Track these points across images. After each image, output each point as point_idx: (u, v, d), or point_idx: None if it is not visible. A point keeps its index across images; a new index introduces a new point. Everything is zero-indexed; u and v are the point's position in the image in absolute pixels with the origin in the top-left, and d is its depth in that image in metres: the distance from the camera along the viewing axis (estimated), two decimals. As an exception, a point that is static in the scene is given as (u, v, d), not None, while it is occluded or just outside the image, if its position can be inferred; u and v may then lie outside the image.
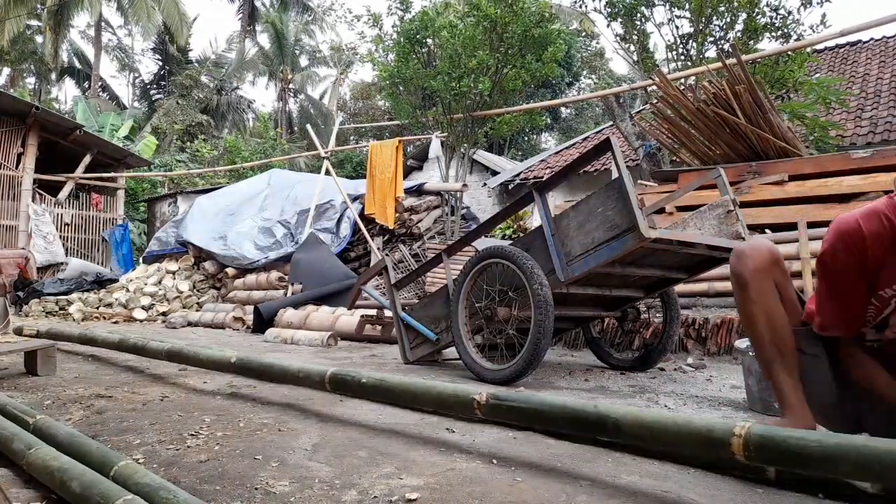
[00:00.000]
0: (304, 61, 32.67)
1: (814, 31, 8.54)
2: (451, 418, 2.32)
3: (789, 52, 8.11)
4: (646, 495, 1.57)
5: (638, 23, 9.16)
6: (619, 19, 9.16)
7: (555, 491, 1.59)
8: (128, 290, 9.05)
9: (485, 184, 14.80)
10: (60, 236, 12.27)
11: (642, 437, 1.53)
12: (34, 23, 24.75)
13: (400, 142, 9.07)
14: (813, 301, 1.77)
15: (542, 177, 12.67)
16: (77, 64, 29.19)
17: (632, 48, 9.45)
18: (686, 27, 8.83)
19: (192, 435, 2.09)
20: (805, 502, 1.53)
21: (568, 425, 1.69)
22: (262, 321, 6.51)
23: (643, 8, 8.91)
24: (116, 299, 8.76)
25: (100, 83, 27.18)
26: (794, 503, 1.52)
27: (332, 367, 2.41)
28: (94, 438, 1.83)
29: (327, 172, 9.38)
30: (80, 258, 12.28)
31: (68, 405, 2.58)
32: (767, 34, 8.67)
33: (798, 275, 4.43)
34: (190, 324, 7.38)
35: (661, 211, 5.56)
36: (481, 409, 1.85)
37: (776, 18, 8.59)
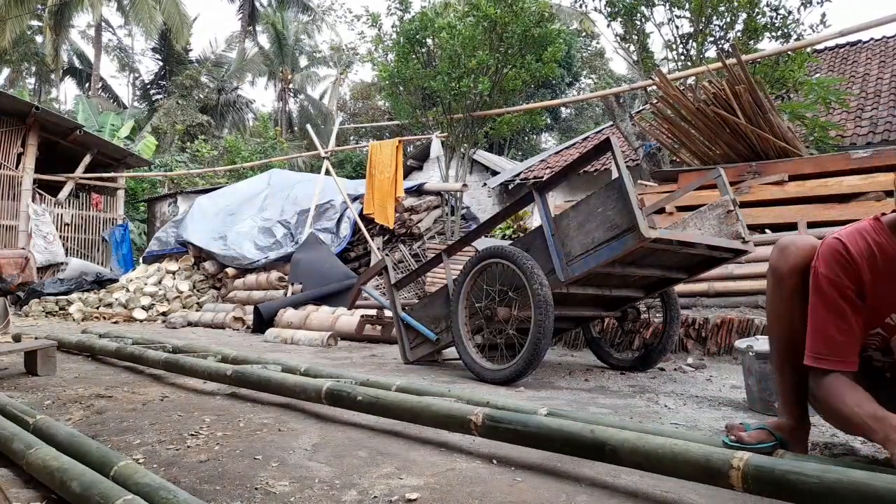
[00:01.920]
0: (303, 61, 32.68)
1: (814, 31, 8.54)
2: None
3: (789, 52, 8.11)
4: (646, 495, 1.57)
5: (638, 23, 9.16)
6: (619, 19, 9.16)
7: (555, 491, 1.59)
8: (128, 290, 9.05)
9: (485, 184, 14.80)
10: (60, 236, 12.26)
11: (639, 465, 1.55)
12: (34, 23, 24.76)
13: (400, 142, 9.07)
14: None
15: (542, 177, 12.67)
16: (77, 64, 29.20)
17: (632, 48, 9.45)
18: (686, 27, 8.83)
19: (192, 435, 2.09)
20: None
21: (564, 449, 1.70)
22: (262, 321, 6.51)
23: (643, 8, 8.91)
24: (116, 299, 8.75)
25: (100, 83, 27.18)
26: None
27: (329, 380, 2.41)
28: (94, 438, 1.83)
29: (327, 172, 9.39)
30: (80, 258, 12.28)
31: (68, 405, 2.58)
32: (767, 34, 8.67)
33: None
34: (190, 324, 7.38)
35: (661, 211, 5.56)
36: (477, 429, 1.86)
37: (776, 18, 8.60)
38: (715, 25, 8.69)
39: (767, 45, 9.08)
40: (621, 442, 1.56)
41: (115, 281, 9.84)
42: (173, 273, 9.54)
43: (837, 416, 1.52)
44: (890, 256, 1.51)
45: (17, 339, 4.36)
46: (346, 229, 8.72)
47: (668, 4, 8.73)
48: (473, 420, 1.86)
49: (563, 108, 25.17)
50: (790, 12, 8.59)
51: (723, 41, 8.67)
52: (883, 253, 1.51)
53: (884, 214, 1.58)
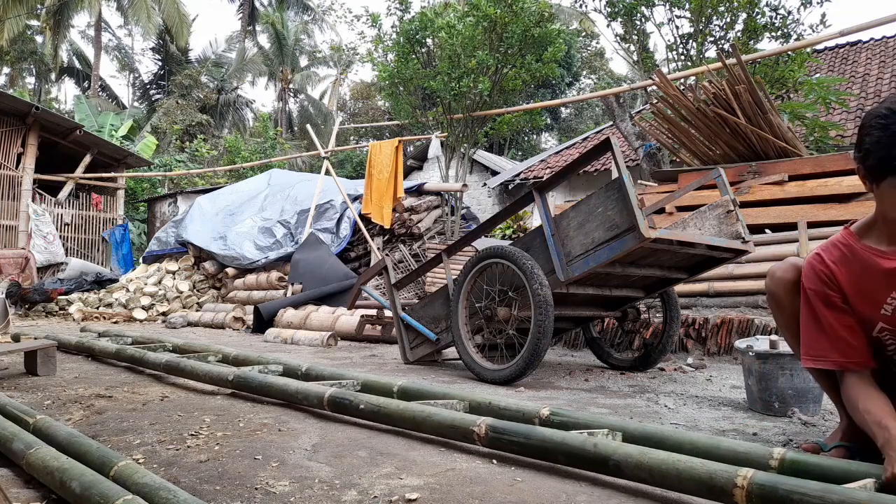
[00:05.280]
0: (303, 61, 32.69)
1: (814, 31, 8.54)
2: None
3: (789, 52, 8.11)
4: (646, 495, 1.57)
5: (638, 23, 9.16)
6: (619, 19, 9.16)
7: (555, 491, 1.59)
8: (128, 290, 9.05)
9: (485, 184, 14.81)
10: (60, 236, 12.26)
11: (643, 480, 1.56)
12: (34, 23, 24.77)
13: (400, 142, 9.07)
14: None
15: (542, 177, 12.67)
16: (77, 64, 29.21)
17: (632, 48, 9.45)
18: (686, 27, 8.83)
19: (192, 435, 2.09)
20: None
21: (568, 462, 1.71)
22: (262, 321, 6.51)
23: (643, 8, 8.91)
24: (116, 299, 8.75)
25: (100, 83, 27.19)
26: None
27: (332, 388, 2.41)
28: (94, 438, 1.83)
29: (327, 172, 9.39)
30: (80, 258, 12.27)
31: (68, 405, 2.58)
32: (767, 34, 8.67)
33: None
34: (190, 324, 7.37)
35: (661, 211, 5.56)
36: (481, 440, 1.87)
37: (776, 18, 8.59)
38: (715, 25, 8.69)
39: (767, 45, 9.08)
40: (625, 457, 1.57)
41: (115, 281, 9.83)
42: (173, 273, 9.54)
43: (853, 416, 1.66)
44: (859, 256, 1.64)
45: (16, 339, 4.36)
46: (346, 229, 8.72)
47: (668, 4, 8.73)
48: (476, 431, 1.87)
49: (563, 108, 25.17)
50: (790, 12, 8.59)
51: (723, 41, 8.66)
52: (854, 254, 1.65)
53: (853, 223, 1.73)
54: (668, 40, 8.94)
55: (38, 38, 25.96)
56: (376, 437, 2.10)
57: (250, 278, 8.37)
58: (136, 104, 29.06)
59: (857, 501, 1.24)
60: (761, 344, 2.71)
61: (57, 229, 12.23)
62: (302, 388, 2.47)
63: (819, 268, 1.68)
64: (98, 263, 12.55)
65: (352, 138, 23.31)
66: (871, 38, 14.25)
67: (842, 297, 1.65)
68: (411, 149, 16.44)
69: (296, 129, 29.66)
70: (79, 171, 12.76)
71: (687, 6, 8.54)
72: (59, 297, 8.90)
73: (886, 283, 1.60)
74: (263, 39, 31.50)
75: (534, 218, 9.80)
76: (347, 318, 5.85)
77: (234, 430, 2.16)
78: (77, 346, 4.26)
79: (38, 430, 1.85)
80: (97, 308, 8.59)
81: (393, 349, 4.91)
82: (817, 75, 10.56)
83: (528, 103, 15.11)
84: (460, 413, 2.10)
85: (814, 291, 1.69)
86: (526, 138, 24.56)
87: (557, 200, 11.37)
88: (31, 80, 27.99)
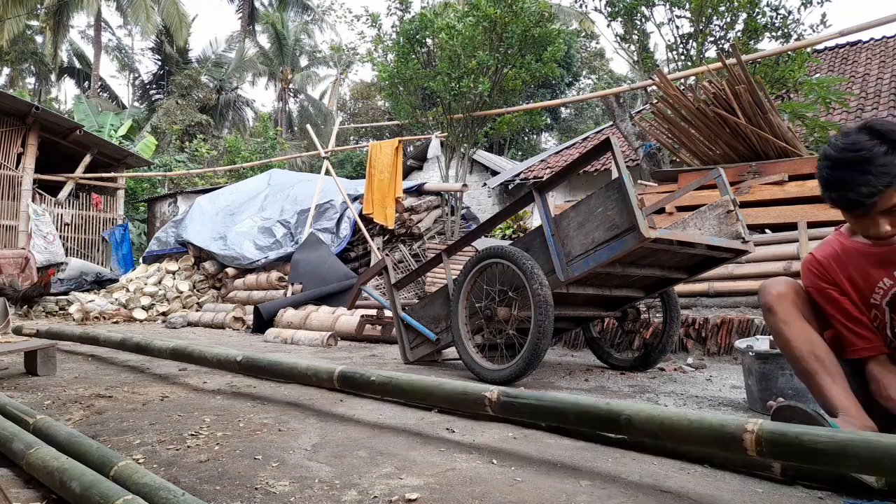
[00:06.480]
0: (303, 61, 32.70)
1: (814, 31, 8.54)
2: (452, 416, 2.32)
3: (789, 52, 8.10)
4: (646, 495, 1.57)
5: (638, 23, 9.16)
6: (619, 19, 9.16)
7: (555, 491, 1.59)
8: (128, 290, 9.05)
9: (485, 184, 14.81)
10: (60, 236, 12.26)
11: (654, 434, 1.55)
12: (34, 23, 24.77)
13: (400, 142, 9.07)
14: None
15: (542, 177, 12.68)
16: (77, 64, 29.22)
17: (632, 48, 9.45)
18: (686, 27, 8.83)
19: (192, 435, 2.09)
20: (806, 501, 1.53)
21: (579, 422, 1.70)
22: (262, 321, 6.51)
23: (643, 8, 8.91)
24: (116, 299, 8.75)
25: (100, 83, 27.20)
26: (795, 502, 1.53)
27: (341, 364, 2.41)
28: (94, 438, 1.83)
29: (327, 172, 9.39)
30: (80, 258, 12.27)
31: (68, 405, 2.58)
32: (767, 34, 8.67)
33: (798, 275, 4.43)
34: (190, 324, 7.38)
35: (661, 211, 5.56)
36: (493, 406, 1.86)
37: (776, 18, 8.59)
38: (715, 25, 8.69)
39: (767, 45, 9.08)
40: (637, 412, 1.57)
41: (115, 281, 9.83)
42: (173, 273, 9.54)
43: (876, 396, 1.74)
44: (849, 250, 1.79)
45: (17, 331, 4.35)
46: (346, 229, 8.72)
47: (668, 4, 8.73)
48: (489, 397, 1.86)
49: (563, 108, 25.18)
50: (790, 12, 8.59)
51: (723, 41, 8.66)
52: (844, 250, 1.79)
53: (843, 225, 1.86)
54: (668, 40, 8.95)
55: (38, 38, 25.97)
56: (376, 436, 2.10)
57: (250, 278, 8.37)
58: (136, 104, 29.05)
59: (864, 439, 1.25)
60: (761, 344, 2.71)
61: (57, 229, 12.23)
62: (312, 366, 2.46)
63: (812, 264, 1.83)
64: (98, 263, 12.56)
65: (352, 138, 23.31)
66: (871, 38, 14.26)
67: (838, 290, 1.77)
68: (411, 149, 16.44)
69: (296, 129, 29.67)
70: (79, 171, 12.76)
71: (687, 6, 8.54)
72: (60, 297, 8.90)
73: (878, 273, 1.72)
74: (263, 39, 31.52)
75: (534, 218, 9.81)
76: (347, 318, 5.85)
77: (234, 430, 2.16)
78: (81, 337, 4.24)
79: (38, 430, 1.85)
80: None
81: (393, 349, 4.91)
82: (817, 75, 10.56)
83: (528, 103, 15.11)
84: (472, 383, 2.11)
85: (812, 289, 1.82)
86: (526, 138, 24.55)
87: (557, 200, 11.37)
88: (31, 81, 28.00)
